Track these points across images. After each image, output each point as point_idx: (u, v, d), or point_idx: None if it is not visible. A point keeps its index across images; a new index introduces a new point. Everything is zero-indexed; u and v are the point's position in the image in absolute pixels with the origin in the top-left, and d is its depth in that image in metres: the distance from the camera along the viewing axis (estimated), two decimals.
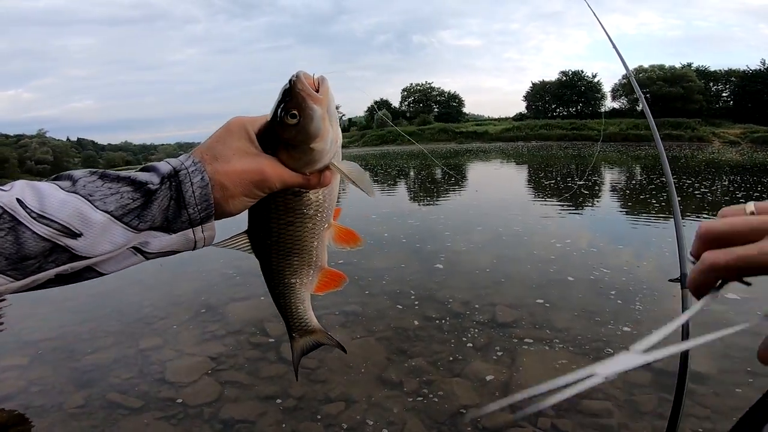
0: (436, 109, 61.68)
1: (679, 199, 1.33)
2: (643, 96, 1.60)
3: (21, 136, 57.89)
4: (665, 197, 8.54)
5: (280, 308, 0.63)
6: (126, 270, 0.48)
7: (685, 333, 0.96)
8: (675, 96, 41.09)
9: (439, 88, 62.71)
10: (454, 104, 62.28)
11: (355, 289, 4.18)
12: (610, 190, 10.89)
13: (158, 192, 0.44)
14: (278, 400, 2.58)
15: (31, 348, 3.31)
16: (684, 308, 1.09)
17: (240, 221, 0.59)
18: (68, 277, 0.43)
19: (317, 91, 0.49)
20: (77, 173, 0.44)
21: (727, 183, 11.78)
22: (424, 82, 62.90)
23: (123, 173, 0.45)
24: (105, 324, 3.70)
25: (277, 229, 0.55)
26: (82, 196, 0.41)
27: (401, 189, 12.94)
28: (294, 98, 0.47)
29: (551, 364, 2.81)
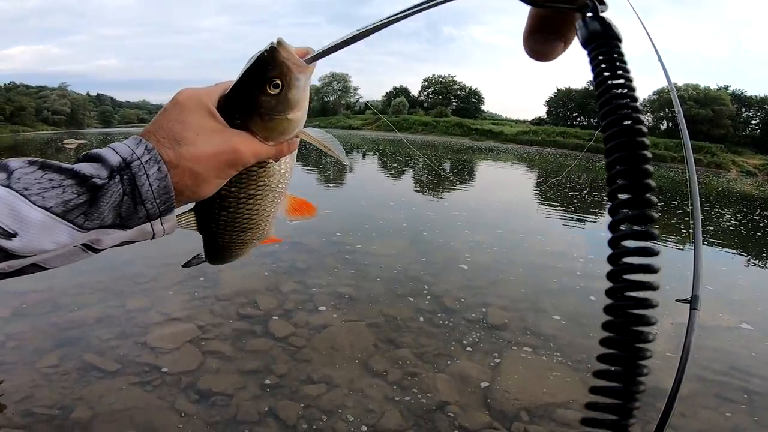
0: (454, 103, 60.91)
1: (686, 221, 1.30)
2: (682, 114, 1.55)
3: (42, 88, 58.19)
4: (674, 221, 8.43)
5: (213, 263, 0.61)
6: None
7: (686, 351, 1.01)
8: (703, 118, 39.78)
9: (461, 82, 61.68)
10: (474, 100, 61.22)
11: (354, 272, 4.13)
12: None
13: (105, 187, 0.39)
14: (260, 376, 2.54)
15: (15, 299, 3.23)
16: (689, 328, 1.17)
17: None
18: (6, 275, 0.40)
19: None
20: (13, 163, 0.38)
21: (733, 214, 11.51)
22: (447, 75, 61.99)
23: (66, 165, 0.39)
24: (94, 280, 3.64)
25: (236, 204, 0.51)
26: (16, 191, 0.36)
27: (419, 181, 12.88)
28: (278, 67, 0.44)
29: (536, 371, 2.76)
